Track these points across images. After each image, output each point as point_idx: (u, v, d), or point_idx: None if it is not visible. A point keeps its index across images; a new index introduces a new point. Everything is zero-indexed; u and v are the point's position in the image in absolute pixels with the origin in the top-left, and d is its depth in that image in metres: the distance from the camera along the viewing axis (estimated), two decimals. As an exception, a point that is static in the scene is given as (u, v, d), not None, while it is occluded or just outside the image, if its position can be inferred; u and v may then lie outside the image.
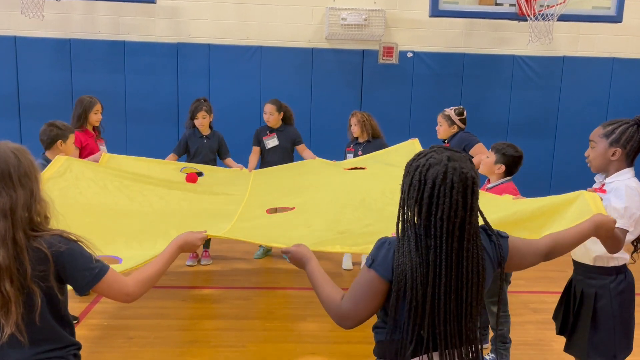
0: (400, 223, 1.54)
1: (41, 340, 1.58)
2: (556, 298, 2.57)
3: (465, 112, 4.35)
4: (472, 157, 4.22)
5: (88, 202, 3.14)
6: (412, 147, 4.32)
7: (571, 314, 2.42)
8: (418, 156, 1.55)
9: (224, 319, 4.04)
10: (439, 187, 1.47)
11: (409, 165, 1.56)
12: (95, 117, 4.48)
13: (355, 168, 4.34)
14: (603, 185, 2.32)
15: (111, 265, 2.37)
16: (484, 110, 7.46)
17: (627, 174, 2.29)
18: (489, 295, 3.11)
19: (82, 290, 1.61)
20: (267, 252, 5.47)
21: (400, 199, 1.56)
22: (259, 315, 4.09)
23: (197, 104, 4.92)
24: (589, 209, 2.10)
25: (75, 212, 2.88)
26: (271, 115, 5.06)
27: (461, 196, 1.47)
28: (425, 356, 1.51)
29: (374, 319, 1.67)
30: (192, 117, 4.90)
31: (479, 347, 1.58)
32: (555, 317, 2.57)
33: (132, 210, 3.33)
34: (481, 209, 1.57)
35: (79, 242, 1.60)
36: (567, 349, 2.46)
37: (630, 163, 2.31)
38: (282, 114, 5.11)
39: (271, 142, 5.09)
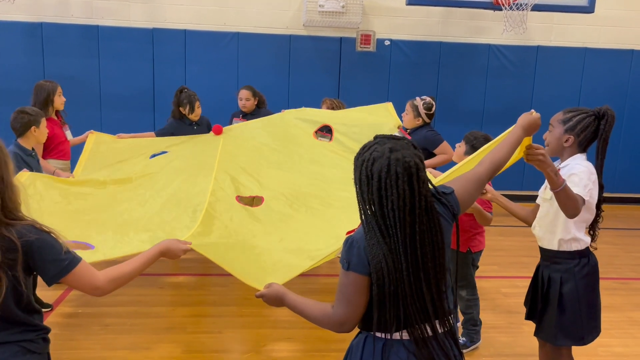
0: (363, 216, 1.58)
1: (8, 324, 1.58)
2: (527, 282, 2.65)
3: (434, 108, 4.23)
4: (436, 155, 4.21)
5: (52, 215, 3.08)
6: (385, 108, 4.29)
7: (539, 299, 2.50)
8: (363, 149, 1.59)
9: (201, 305, 4.06)
10: (384, 180, 1.51)
11: (356, 160, 1.60)
12: (60, 100, 4.34)
13: (324, 129, 4.25)
14: (559, 170, 2.39)
15: (84, 252, 2.37)
16: (459, 99, 7.55)
17: (579, 158, 2.37)
18: (458, 279, 3.17)
19: (50, 282, 1.59)
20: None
21: (356, 193, 1.60)
22: (235, 302, 4.11)
23: (187, 94, 4.75)
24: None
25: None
26: (247, 101, 5.03)
27: (407, 185, 1.51)
28: (407, 329, 1.57)
29: None
30: (191, 108, 4.72)
31: (452, 317, 1.65)
32: (525, 303, 2.65)
33: (101, 216, 3.32)
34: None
35: (51, 234, 1.58)
36: (537, 333, 2.53)
37: (582, 150, 2.39)
38: (257, 99, 5.09)
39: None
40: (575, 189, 2.20)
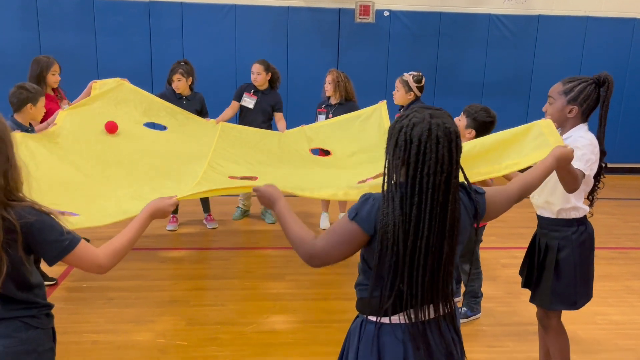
0: (385, 184, 1.57)
1: (9, 301, 1.59)
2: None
3: (423, 80, 4.24)
4: None
5: (44, 174, 3.09)
6: (379, 113, 4.31)
7: (535, 267, 2.53)
8: (400, 118, 1.57)
9: (203, 279, 4.10)
10: (424, 143, 1.50)
11: (392, 128, 1.58)
12: (53, 79, 4.27)
13: (322, 150, 4.36)
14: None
15: (69, 219, 2.37)
16: (459, 70, 7.49)
17: (582, 128, 2.38)
18: (462, 253, 3.21)
19: (51, 262, 1.60)
20: (245, 213, 5.51)
21: (386, 162, 1.58)
22: (237, 275, 4.16)
23: (173, 66, 4.83)
24: (545, 138, 2.20)
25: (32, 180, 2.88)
26: (259, 75, 4.98)
27: (447, 150, 1.51)
28: (404, 313, 1.57)
29: (354, 277, 1.73)
30: (169, 79, 4.82)
31: (453, 301, 1.65)
32: (521, 272, 2.68)
33: (91, 175, 3.33)
34: None
35: (50, 215, 1.58)
36: (532, 299, 2.58)
37: (585, 119, 2.40)
38: (269, 74, 5.03)
39: (248, 102, 5.02)
40: (577, 164, 2.20)
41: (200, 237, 4.98)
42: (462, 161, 1.60)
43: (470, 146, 2.42)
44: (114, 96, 4.18)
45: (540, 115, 2.50)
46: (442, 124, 1.51)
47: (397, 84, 4.26)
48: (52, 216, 1.58)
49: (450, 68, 7.44)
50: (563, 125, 2.42)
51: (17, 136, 3.20)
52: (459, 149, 1.54)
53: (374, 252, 1.58)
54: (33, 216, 1.52)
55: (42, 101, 3.70)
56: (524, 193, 1.87)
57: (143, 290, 3.82)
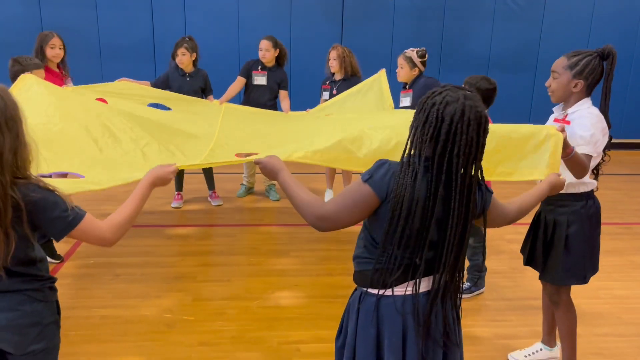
0: (407, 151, 1.57)
1: (13, 275, 1.60)
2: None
3: (427, 55, 4.23)
4: None
5: (52, 123, 3.06)
6: (379, 82, 4.28)
7: (542, 244, 2.53)
8: (433, 94, 1.57)
9: (209, 255, 4.14)
10: (456, 124, 1.50)
11: (423, 102, 1.57)
12: (52, 52, 4.22)
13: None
14: (566, 116, 2.39)
15: (73, 179, 2.38)
16: (465, 44, 7.40)
17: (587, 102, 2.37)
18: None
19: (57, 237, 1.61)
20: (250, 190, 5.52)
21: (411, 134, 1.58)
22: (243, 252, 4.19)
23: (178, 41, 4.81)
24: (547, 153, 2.21)
25: (40, 131, 2.86)
26: (267, 52, 4.93)
27: (475, 134, 1.52)
28: (410, 282, 1.59)
29: (351, 251, 1.74)
30: (174, 54, 4.80)
31: (460, 278, 1.66)
32: (522, 250, 2.69)
33: (97, 144, 3.32)
34: None
35: (55, 191, 1.58)
36: (542, 276, 2.58)
37: (589, 93, 2.38)
38: (277, 51, 4.98)
39: (260, 79, 4.98)
40: (585, 148, 2.22)
41: (205, 215, 5.00)
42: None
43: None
44: (115, 87, 4.16)
45: (547, 90, 2.47)
46: (474, 107, 1.52)
47: (401, 61, 4.22)
48: (57, 193, 1.59)
49: (455, 42, 7.35)
50: (567, 100, 2.40)
51: (28, 77, 3.20)
52: (486, 133, 1.56)
53: (379, 222, 1.58)
54: (37, 194, 1.53)
55: (38, 74, 3.67)
56: (519, 216, 1.89)
57: (149, 267, 3.86)
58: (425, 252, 1.57)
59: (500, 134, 2.32)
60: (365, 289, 1.66)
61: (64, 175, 3.19)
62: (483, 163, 1.61)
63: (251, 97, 4.98)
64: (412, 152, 1.57)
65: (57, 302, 1.76)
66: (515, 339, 3.00)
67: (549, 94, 2.46)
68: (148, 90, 4.44)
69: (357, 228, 1.76)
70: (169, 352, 2.84)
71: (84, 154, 2.95)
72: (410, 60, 4.17)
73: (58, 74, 4.28)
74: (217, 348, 2.89)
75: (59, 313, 1.76)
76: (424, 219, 1.54)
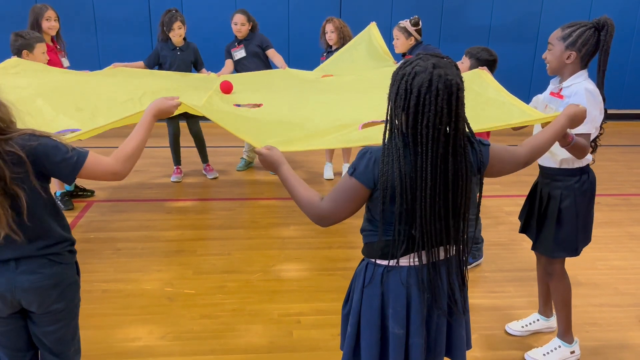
0: (387, 131, 1.57)
1: (35, 238, 1.64)
2: None
3: (420, 22, 4.19)
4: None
5: (41, 90, 3.07)
6: (368, 34, 4.30)
7: (536, 216, 2.55)
8: (404, 64, 1.55)
9: (209, 229, 4.15)
10: (424, 95, 1.48)
11: (395, 74, 1.56)
12: (48, 24, 4.18)
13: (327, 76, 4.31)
14: (560, 90, 2.37)
15: (70, 135, 2.40)
16: (465, 14, 7.31)
17: (582, 76, 2.34)
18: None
19: (68, 180, 1.65)
20: (249, 164, 5.52)
21: (388, 108, 1.58)
22: (243, 225, 4.20)
23: (170, 14, 4.73)
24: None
25: (29, 97, 2.86)
26: (242, 26, 4.92)
27: (446, 103, 1.49)
28: (415, 254, 1.61)
29: (359, 223, 1.76)
30: (168, 29, 4.72)
31: (466, 244, 1.68)
32: (520, 217, 2.71)
33: (88, 87, 3.31)
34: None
35: (51, 137, 1.60)
36: (534, 247, 2.61)
37: (584, 65, 2.35)
38: (251, 24, 4.99)
39: (239, 53, 4.97)
40: (583, 128, 2.20)
41: (204, 188, 5.01)
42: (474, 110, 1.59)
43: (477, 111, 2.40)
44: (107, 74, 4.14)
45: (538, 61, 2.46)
46: (443, 75, 1.48)
47: (396, 32, 4.19)
48: (53, 138, 1.60)
49: (455, 12, 7.25)
50: (561, 72, 2.39)
51: (12, 61, 3.27)
52: (459, 101, 1.52)
53: (375, 203, 1.60)
54: (34, 141, 1.54)
55: (40, 47, 3.66)
56: (534, 156, 1.84)
57: (150, 241, 3.88)
58: (428, 225, 1.57)
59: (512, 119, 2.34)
60: (372, 260, 1.68)
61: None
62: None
63: (241, 72, 4.95)
64: (392, 128, 1.56)
65: (76, 263, 1.81)
66: (513, 309, 3.04)
67: (546, 65, 2.45)
68: (143, 73, 4.38)
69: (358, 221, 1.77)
70: (171, 325, 2.88)
71: (79, 106, 2.95)
72: (404, 30, 4.13)
73: (52, 48, 4.23)
74: (218, 321, 2.93)
75: (78, 274, 1.82)
76: (413, 192, 1.53)
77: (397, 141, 1.54)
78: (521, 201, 2.73)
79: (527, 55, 7.24)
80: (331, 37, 4.85)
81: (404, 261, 1.64)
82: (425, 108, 1.48)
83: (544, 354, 2.62)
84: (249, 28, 4.97)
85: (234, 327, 2.88)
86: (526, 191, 2.67)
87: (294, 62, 6.17)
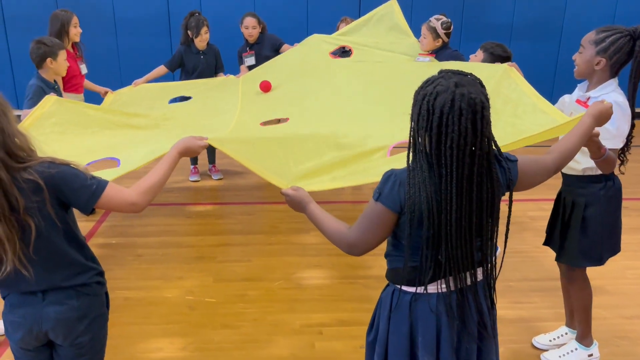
0: (411, 153, 1.53)
1: (54, 268, 1.61)
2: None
3: (452, 27, 4.09)
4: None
5: (75, 143, 3.07)
6: (391, 12, 4.17)
7: (559, 225, 2.49)
8: (426, 84, 1.51)
9: (229, 234, 4.14)
10: (447, 115, 1.43)
11: (416, 94, 1.52)
12: (75, 31, 4.20)
13: (342, 49, 4.20)
14: (588, 99, 2.29)
15: (109, 168, 2.39)
16: (487, 12, 7.18)
17: (611, 86, 2.25)
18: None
19: (85, 209, 1.59)
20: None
21: (410, 129, 1.53)
22: (262, 230, 4.18)
23: (197, 18, 4.68)
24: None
25: (63, 145, 2.86)
26: (254, 29, 4.87)
27: (470, 123, 1.44)
28: (442, 280, 1.56)
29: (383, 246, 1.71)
30: (196, 34, 4.68)
31: (493, 267, 1.63)
32: (547, 230, 2.63)
33: (124, 138, 3.31)
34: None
35: (71, 165, 1.57)
36: (558, 258, 2.55)
37: (614, 74, 2.27)
38: (262, 26, 4.93)
39: (249, 60, 4.90)
40: (611, 142, 2.14)
41: (224, 192, 5.00)
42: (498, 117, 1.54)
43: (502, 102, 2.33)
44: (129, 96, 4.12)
45: (572, 61, 2.37)
46: (466, 94, 1.43)
47: (424, 30, 4.08)
48: (73, 165, 1.57)
49: (477, 10, 7.13)
50: (590, 77, 2.31)
51: (51, 100, 3.17)
52: (484, 120, 1.47)
53: (402, 227, 1.55)
54: (53, 169, 1.52)
55: (62, 55, 3.65)
56: (563, 162, 1.79)
57: (170, 247, 3.88)
58: (454, 250, 1.52)
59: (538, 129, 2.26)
60: (398, 286, 1.64)
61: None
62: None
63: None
64: (416, 149, 1.52)
65: (106, 294, 1.78)
66: (540, 321, 2.97)
67: (574, 67, 2.37)
68: (164, 89, 4.38)
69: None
70: (192, 335, 2.87)
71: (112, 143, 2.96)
72: (434, 30, 4.03)
73: (72, 55, 4.24)
74: (239, 331, 2.90)
75: (107, 306, 1.79)
76: (439, 216, 1.49)
77: (422, 162, 1.50)
78: (546, 205, 2.67)
79: (550, 54, 7.09)
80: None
81: (431, 288, 1.59)
82: (448, 129, 1.44)
83: (560, 356, 2.58)
84: (260, 31, 4.91)
85: (255, 337, 2.85)
86: (551, 194, 2.61)
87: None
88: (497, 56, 3.23)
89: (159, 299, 3.21)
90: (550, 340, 2.77)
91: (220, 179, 5.20)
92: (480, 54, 3.31)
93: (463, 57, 4.05)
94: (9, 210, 1.47)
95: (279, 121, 3.48)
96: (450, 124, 1.43)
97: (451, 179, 1.46)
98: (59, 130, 3.09)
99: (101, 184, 1.60)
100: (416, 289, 1.59)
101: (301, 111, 3.48)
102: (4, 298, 1.66)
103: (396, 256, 1.63)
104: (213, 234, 4.11)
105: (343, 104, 3.41)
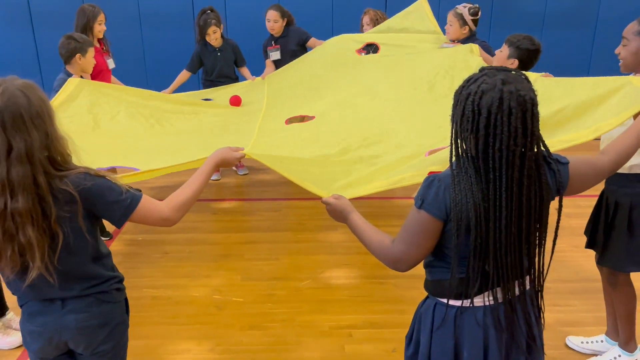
0: (454, 157, 1.44)
1: (76, 278, 1.58)
2: (590, 202, 2.51)
3: (480, 13, 3.93)
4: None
5: (101, 127, 3.07)
6: (421, 10, 4.07)
7: (602, 227, 2.37)
8: (468, 82, 1.41)
9: (256, 231, 4.08)
10: (495, 115, 1.34)
11: (458, 94, 1.42)
12: (99, 28, 4.18)
13: (369, 46, 4.10)
14: None
15: (128, 174, 2.37)
16: (518, 0, 6.96)
17: None
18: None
19: (118, 223, 1.58)
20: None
21: (452, 131, 1.44)
22: (290, 227, 4.12)
23: (204, 17, 4.59)
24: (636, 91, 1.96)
25: (88, 137, 2.84)
26: (275, 23, 4.73)
27: (520, 122, 1.35)
28: (489, 292, 1.48)
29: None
30: (202, 34, 4.61)
31: (542, 274, 1.55)
32: (586, 232, 2.54)
33: (149, 132, 3.28)
34: None
35: (107, 177, 1.54)
36: (601, 261, 2.44)
37: None
38: (285, 20, 4.78)
39: (274, 54, 4.78)
40: None
41: (250, 187, 4.95)
42: (542, 128, 1.43)
43: (552, 111, 2.20)
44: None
45: (608, 47, 2.24)
46: (515, 92, 1.34)
47: (450, 17, 3.95)
48: (109, 178, 1.55)
49: (508, -3, 6.91)
50: (638, 70, 2.18)
51: (75, 82, 3.24)
52: (535, 119, 1.37)
53: (447, 237, 1.46)
54: (89, 181, 1.49)
55: (91, 52, 3.64)
56: (620, 162, 1.66)
57: (197, 244, 3.85)
58: (502, 257, 1.43)
59: (578, 100, 2.13)
60: (441, 300, 1.55)
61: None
62: (571, 131, 1.41)
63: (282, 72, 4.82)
64: (460, 152, 1.43)
65: (126, 300, 1.75)
66: (580, 326, 2.85)
67: (619, 61, 2.25)
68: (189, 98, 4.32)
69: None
70: (220, 336, 2.83)
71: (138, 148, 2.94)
72: (461, 17, 3.88)
73: (98, 50, 4.22)
74: (267, 332, 2.85)
75: (127, 312, 1.76)
76: (487, 223, 1.40)
77: (468, 167, 1.40)
78: (581, 202, 2.55)
79: (585, 42, 6.83)
80: (367, 29, 4.66)
81: (478, 300, 1.50)
82: (497, 129, 1.34)
83: None
84: (284, 24, 4.77)
85: (284, 339, 2.80)
86: (587, 191, 2.48)
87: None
88: (525, 49, 2.97)
89: (186, 298, 3.18)
90: (582, 342, 2.67)
91: (246, 174, 5.16)
92: (505, 49, 3.05)
93: (492, 50, 3.90)
94: (42, 217, 1.45)
95: (302, 118, 3.42)
96: (498, 125, 1.34)
97: (500, 184, 1.37)
98: (87, 109, 3.16)
99: (135, 199, 1.56)
100: (462, 302, 1.50)
101: (327, 110, 3.42)
102: (21, 306, 1.64)
103: (440, 267, 1.54)
104: (239, 231, 4.07)
105: (371, 105, 3.33)
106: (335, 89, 3.79)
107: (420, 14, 4.08)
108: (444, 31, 4.02)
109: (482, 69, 1.43)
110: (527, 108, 1.35)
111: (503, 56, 3.03)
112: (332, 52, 4.22)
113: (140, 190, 1.61)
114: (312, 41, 4.81)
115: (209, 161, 1.84)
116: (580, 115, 2.15)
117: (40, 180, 1.43)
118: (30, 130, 1.42)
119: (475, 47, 3.46)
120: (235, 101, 4.04)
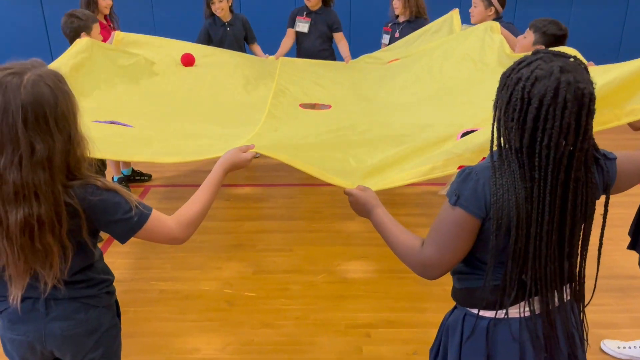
0: (496, 148, 1.27)
1: (72, 284, 1.47)
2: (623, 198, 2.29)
3: None
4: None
5: (110, 87, 3.08)
6: (450, 22, 3.86)
7: None
8: (519, 65, 1.22)
9: (269, 219, 3.93)
10: (547, 107, 1.16)
11: (506, 77, 1.24)
12: (104, 3, 4.05)
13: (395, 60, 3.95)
14: None
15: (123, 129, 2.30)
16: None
17: None
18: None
19: (122, 240, 1.46)
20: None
21: (495, 118, 1.27)
22: (304, 216, 3.95)
23: None
24: None
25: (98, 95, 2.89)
26: None
27: (574, 118, 1.17)
28: (526, 302, 1.32)
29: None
30: (208, 4, 4.40)
31: (582, 283, 1.40)
32: (630, 232, 2.35)
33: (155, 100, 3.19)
34: None
35: (117, 191, 1.40)
36: None
37: None
38: None
39: (302, 26, 4.52)
40: None
41: (264, 172, 4.78)
42: None
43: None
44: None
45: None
46: (573, 83, 1.15)
47: None
48: (119, 192, 1.40)
49: (534, -28, 6.56)
50: None
51: (82, 41, 3.15)
52: (590, 116, 1.19)
53: (483, 241, 1.29)
54: (96, 196, 1.35)
55: (96, 28, 3.49)
56: None
57: (208, 233, 3.69)
58: (542, 266, 1.27)
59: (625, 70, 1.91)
60: (471, 310, 1.38)
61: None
62: (606, 109, 1.24)
63: (302, 47, 4.58)
64: (502, 143, 1.26)
65: (116, 302, 1.63)
66: (615, 328, 2.66)
67: None
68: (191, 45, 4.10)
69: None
70: (231, 335, 2.69)
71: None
72: None
73: (105, 26, 4.07)
74: (280, 331, 2.71)
75: (119, 315, 1.64)
76: (529, 225, 1.23)
77: (511, 161, 1.23)
78: (613, 198, 2.33)
79: (616, 18, 6.48)
80: (396, 4, 4.40)
81: (513, 311, 1.33)
82: (547, 123, 1.17)
83: None
84: (325, 2, 4.51)
85: (297, 339, 2.65)
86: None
87: (354, 32, 5.78)
88: (551, 35, 2.77)
89: (195, 292, 3.04)
90: (618, 347, 2.48)
91: (257, 157, 4.96)
92: (530, 35, 2.85)
93: (518, 32, 3.65)
94: (57, 226, 1.33)
95: (314, 106, 3.22)
96: (549, 118, 1.17)
97: (544, 185, 1.21)
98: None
99: (143, 217, 1.42)
100: (495, 313, 1.33)
101: (345, 99, 3.24)
102: (0, 313, 1.50)
103: (471, 274, 1.37)
104: (252, 219, 3.91)
105: (391, 97, 3.17)
106: (354, 83, 3.66)
107: (449, 26, 3.89)
108: (467, 14, 3.79)
109: (536, 52, 1.24)
110: (584, 103, 1.17)
111: (527, 42, 2.83)
112: (354, 67, 4.12)
113: (151, 209, 1.46)
114: (339, 35, 4.55)
115: (217, 169, 1.69)
116: (616, 92, 1.93)
117: (56, 190, 1.30)
118: (54, 132, 1.28)
119: (495, 25, 3.24)
120: (188, 60, 3.74)
